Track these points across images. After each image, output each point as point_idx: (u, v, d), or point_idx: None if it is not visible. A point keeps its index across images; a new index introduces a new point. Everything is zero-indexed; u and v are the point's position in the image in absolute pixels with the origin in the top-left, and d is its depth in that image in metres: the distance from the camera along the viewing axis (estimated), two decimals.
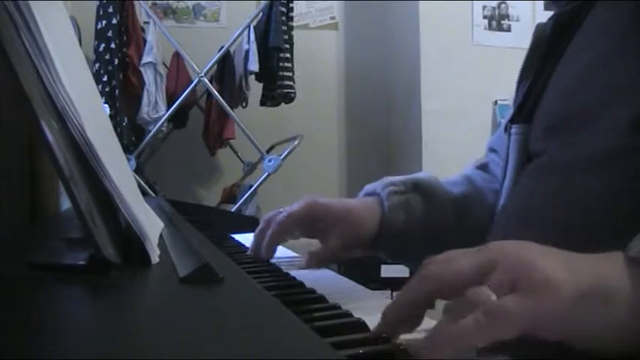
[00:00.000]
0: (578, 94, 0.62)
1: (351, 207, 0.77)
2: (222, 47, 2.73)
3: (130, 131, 2.65)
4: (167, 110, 2.65)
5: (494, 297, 0.36)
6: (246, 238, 0.97)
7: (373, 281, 2.28)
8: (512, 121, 0.73)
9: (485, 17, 3.12)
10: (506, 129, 0.75)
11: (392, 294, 0.61)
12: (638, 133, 0.53)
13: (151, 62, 2.62)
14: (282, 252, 0.88)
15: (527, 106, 0.71)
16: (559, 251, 0.41)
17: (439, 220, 0.77)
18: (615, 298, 0.37)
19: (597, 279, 0.38)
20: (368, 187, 0.82)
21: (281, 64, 2.79)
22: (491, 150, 0.90)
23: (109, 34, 2.55)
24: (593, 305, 0.37)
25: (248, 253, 0.77)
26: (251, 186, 2.71)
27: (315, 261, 0.74)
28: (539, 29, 0.72)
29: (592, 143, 0.57)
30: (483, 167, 0.89)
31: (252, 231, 1.09)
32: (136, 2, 2.67)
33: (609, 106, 0.57)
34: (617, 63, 0.58)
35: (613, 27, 0.60)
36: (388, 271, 2.38)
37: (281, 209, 0.78)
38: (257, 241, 0.76)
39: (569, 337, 0.38)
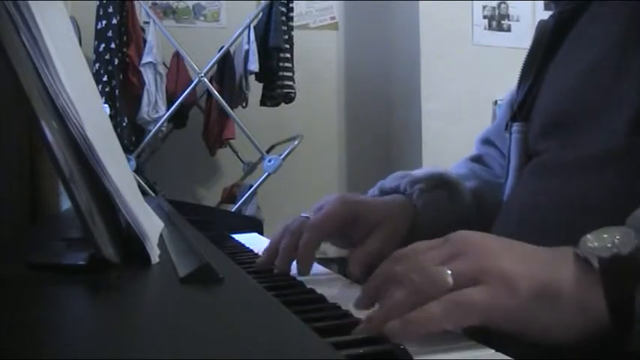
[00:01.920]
0: (577, 95, 0.62)
1: (389, 205, 0.72)
2: (222, 47, 2.73)
3: (130, 131, 2.65)
4: (167, 110, 2.65)
5: (450, 279, 0.40)
6: (246, 238, 0.97)
7: None
8: (513, 119, 0.73)
9: (485, 17, 3.12)
10: (506, 127, 0.74)
11: None
12: (636, 133, 0.54)
13: (151, 62, 2.62)
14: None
15: (527, 104, 0.71)
16: (518, 245, 0.44)
17: (463, 216, 0.76)
18: (563, 298, 0.40)
19: (550, 278, 0.41)
20: (384, 184, 0.78)
21: (281, 64, 2.80)
22: (486, 142, 0.89)
23: (109, 34, 2.55)
24: (544, 303, 0.40)
25: (275, 271, 0.65)
26: (251, 186, 2.71)
27: (360, 268, 0.63)
28: (542, 26, 0.72)
29: (591, 144, 0.57)
30: (478, 160, 0.89)
31: (252, 231, 1.09)
32: (136, 2, 2.67)
33: (608, 108, 0.57)
34: (616, 64, 0.58)
35: (611, 27, 0.60)
36: None
37: (304, 215, 0.68)
38: (285, 255, 0.65)
39: (521, 331, 0.41)
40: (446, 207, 0.75)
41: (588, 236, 0.42)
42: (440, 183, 0.76)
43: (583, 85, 0.61)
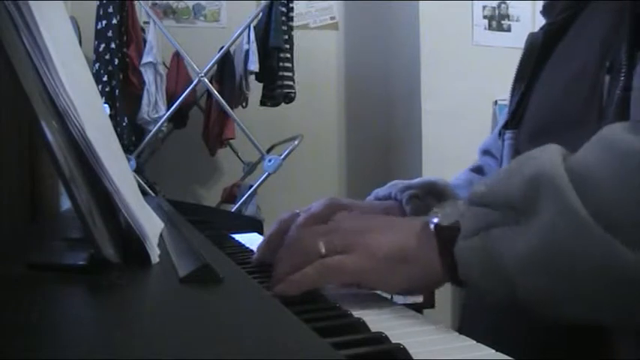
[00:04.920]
0: (561, 104, 0.65)
1: (374, 209, 0.76)
2: (222, 47, 2.72)
3: (130, 131, 2.65)
4: (167, 110, 2.65)
5: (323, 249, 0.52)
6: (246, 238, 0.97)
7: None
8: (506, 127, 0.75)
9: (485, 17, 3.12)
10: (500, 135, 0.76)
11: (391, 295, 0.62)
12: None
13: (150, 62, 2.62)
14: None
15: (519, 113, 0.73)
16: (381, 220, 0.58)
17: None
18: (409, 258, 0.51)
19: (399, 244, 0.52)
20: (379, 192, 0.81)
21: (281, 64, 2.79)
22: (486, 153, 0.91)
23: (109, 34, 2.55)
24: (395, 263, 0.51)
25: (255, 257, 0.72)
26: (251, 186, 2.71)
27: None
28: (531, 38, 0.74)
29: (572, 147, 0.59)
30: (478, 170, 0.90)
31: (253, 231, 1.09)
32: (136, 2, 2.66)
33: (588, 115, 0.59)
34: (596, 73, 0.59)
35: (595, 38, 0.62)
36: None
37: (297, 211, 0.74)
38: (270, 246, 0.71)
39: (379, 286, 0.53)
40: None
41: (435, 208, 0.53)
42: (431, 190, 0.78)
43: (567, 95, 0.64)
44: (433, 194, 0.77)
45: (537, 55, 0.72)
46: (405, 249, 0.52)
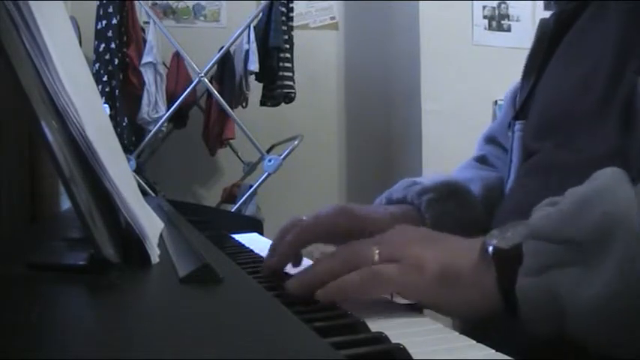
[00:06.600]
0: (574, 99, 0.62)
1: (390, 217, 0.70)
2: (222, 47, 2.73)
3: (130, 131, 2.65)
4: (167, 110, 2.65)
5: (377, 257, 0.49)
6: (247, 238, 0.97)
7: None
8: (516, 117, 0.72)
9: (485, 17, 3.12)
10: (509, 126, 0.74)
11: (392, 294, 0.60)
12: (627, 135, 0.54)
13: (150, 62, 2.62)
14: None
15: (529, 103, 0.71)
16: (437, 236, 0.53)
17: (473, 223, 0.72)
18: (462, 279, 0.47)
19: (452, 263, 0.48)
20: (392, 193, 0.76)
21: (281, 64, 2.79)
22: (490, 141, 0.89)
23: (109, 34, 2.55)
24: (445, 282, 0.47)
25: (263, 266, 0.65)
26: (251, 186, 2.71)
27: None
28: (543, 25, 0.72)
29: (587, 145, 0.58)
30: (482, 160, 0.88)
31: (252, 231, 1.09)
32: (136, 2, 2.67)
33: (603, 112, 0.57)
34: (613, 69, 0.58)
35: (609, 30, 0.60)
36: None
37: (303, 217, 0.68)
38: (272, 253, 0.66)
39: (429, 306, 0.49)
40: (455, 217, 0.72)
41: (494, 230, 0.48)
42: (449, 193, 0.74)
43: (577, 92, 0.62)
44: (453, 198, 0.73)
45: (548, 44, 0.70)
46: (457, 268, 0.48)
